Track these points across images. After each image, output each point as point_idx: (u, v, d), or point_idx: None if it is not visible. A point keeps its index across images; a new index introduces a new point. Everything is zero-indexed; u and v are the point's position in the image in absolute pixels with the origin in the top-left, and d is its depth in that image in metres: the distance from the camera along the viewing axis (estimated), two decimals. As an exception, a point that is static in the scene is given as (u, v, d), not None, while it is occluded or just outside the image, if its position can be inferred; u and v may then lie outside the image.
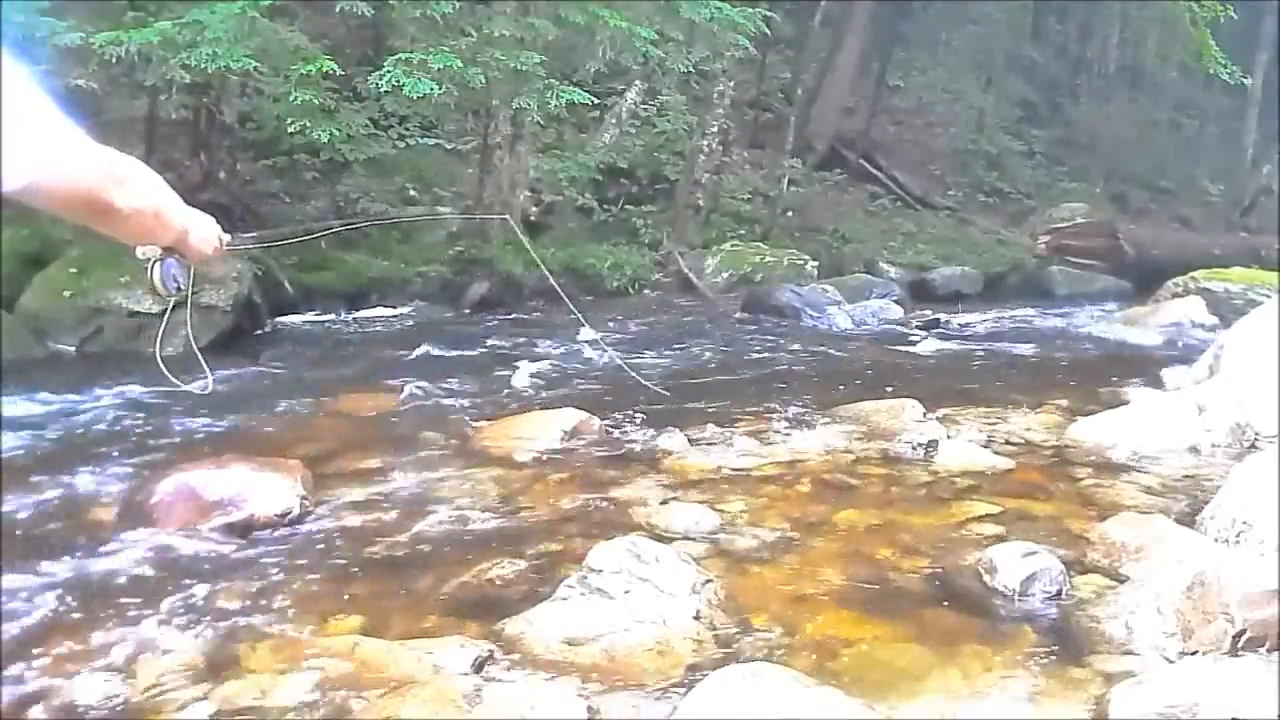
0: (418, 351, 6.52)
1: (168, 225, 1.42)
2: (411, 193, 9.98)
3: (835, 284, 10.20)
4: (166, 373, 1.97)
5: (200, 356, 2.07)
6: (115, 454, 3.89)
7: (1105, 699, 2.09)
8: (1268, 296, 6.99)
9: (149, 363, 2.14)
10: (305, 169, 9.38)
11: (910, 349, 7.57)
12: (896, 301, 9.87)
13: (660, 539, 2.89)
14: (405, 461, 3.89)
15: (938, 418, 4.56)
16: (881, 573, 2.86)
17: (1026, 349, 7.72)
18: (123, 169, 1.31)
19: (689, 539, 3.06)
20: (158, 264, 1.53)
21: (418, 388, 5.11)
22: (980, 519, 3.31)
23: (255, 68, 6.86)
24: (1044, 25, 20.94)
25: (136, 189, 1.33)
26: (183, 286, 1.57)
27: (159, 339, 2.00)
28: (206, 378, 2.05)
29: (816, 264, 10.93)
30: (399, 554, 2.98)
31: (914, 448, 4.09)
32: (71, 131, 1.21)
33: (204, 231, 1.53)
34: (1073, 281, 12.61)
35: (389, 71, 7.07)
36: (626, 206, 11.65)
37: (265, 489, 3.22)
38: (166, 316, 1.83)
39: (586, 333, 6.45)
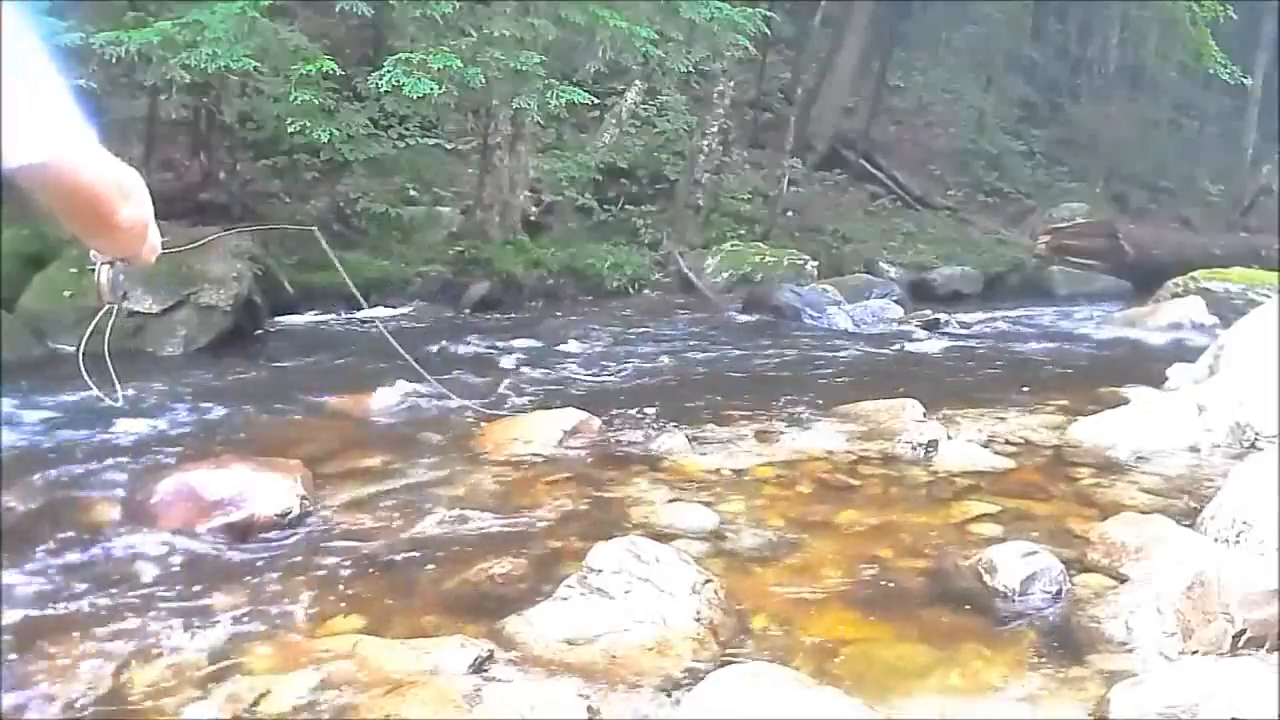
0: (418, 351, 6.51)
1: (147, 240, 1.39)
2: (411, 193, 9.97)
3: (835, 284, 10.19)
4: (86, 377, 1.95)
5: (111, 366, 2.05)
6: (115, 454, 3.88)
7: (1105, 699, 2.09)
8: (1268, 296, 6.99)
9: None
10: (305, 169, 9.38)
11: (910, 349, 7.57)
12: (896, 301, 9.86)
13: (660, 539, 2.89)
14: (405, 461, 3.89)
15: (938, 418, 4.55)
16: (881, 573, 2.86)
17: (1026, 349, 7.72)
18: (129, 182, 1.28)
19: (689, 539, 3.06)
20: (106, 268, 1.49)
21: (417, 388, 5.11)
22: (980, 519, 3.31)
23: (255, 68, 6.86)
24: (1044, 25, 20.93)
25: (137, 206, 1.30)
26: (128, 293, 1.56)
27: (83, 343, 1.94)
28: (117, 390, 2.03)
29: (816, 264, 10.91)
30: (399, 554, 2.98)
31: (914, 448, 4.08)
32: (91, 132, 1.18)
33: (155, 240, 1.48)
34: (1073, 281, 12.60)
35: (389, 71, 7.07)
36: (626, 206, 11.65)
37: (265, 489, 3.21)
38: (96, 321, 1.80)
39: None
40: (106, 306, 1.58)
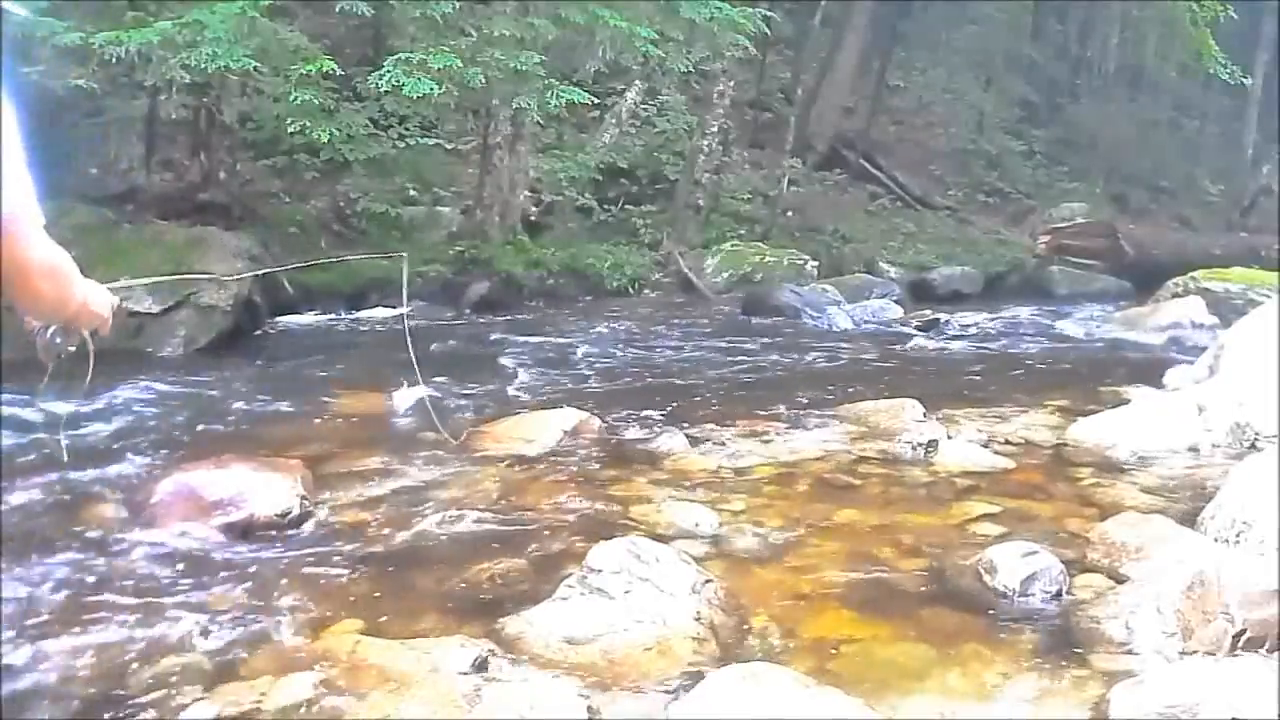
0: (418, 352, 6.51)
1: (65, 314, 1.61)
2: (411, 193, 9.97)
3: (835, 284, 10.19)
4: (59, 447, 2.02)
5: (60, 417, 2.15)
6: (115, 454, 3.88)
7: (1105, 699, 2.09)
8: (1268, 296, 6.99)
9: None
10: (305, 169, 9.38)
11: (910, 349, 7.57)
12: (896, 301, 9.86)
13: (660, 539, 2.89)
14: (405, 461, 3.89)
15: (938, 418, 4.55)
16: (881, 573, 2.86)
17: (1026, 349, 7.72)
18: (53, 265, 1.46)
19: (689, 539, 3.06)
20: (41, 332, 1.68)
21: (418, 388, 5.11)
22: (980, 519, 3.31)
23: (255, 68, 6.86)
24: (1044, 25, 20.90)
25: (59, 285, 1.50)
26: (63, 355, 1.76)
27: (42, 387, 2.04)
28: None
29: (816, 264, 10.92)
30: (399, 554, 2.98)
31: (914, 448, 4.09)
32: (38, 213, 1.39)
33: (96, 308, 1.68)
34: (1073, 281, 12.59)
35: (389, 71, 7.07)
36: (626, 206, 11.64)
37: (265, 489, 3.21)
38: (45, 381, 1.95)
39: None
40: (51, 366, 1.80)
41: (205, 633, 2.43)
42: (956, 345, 7.78)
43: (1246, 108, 19.29)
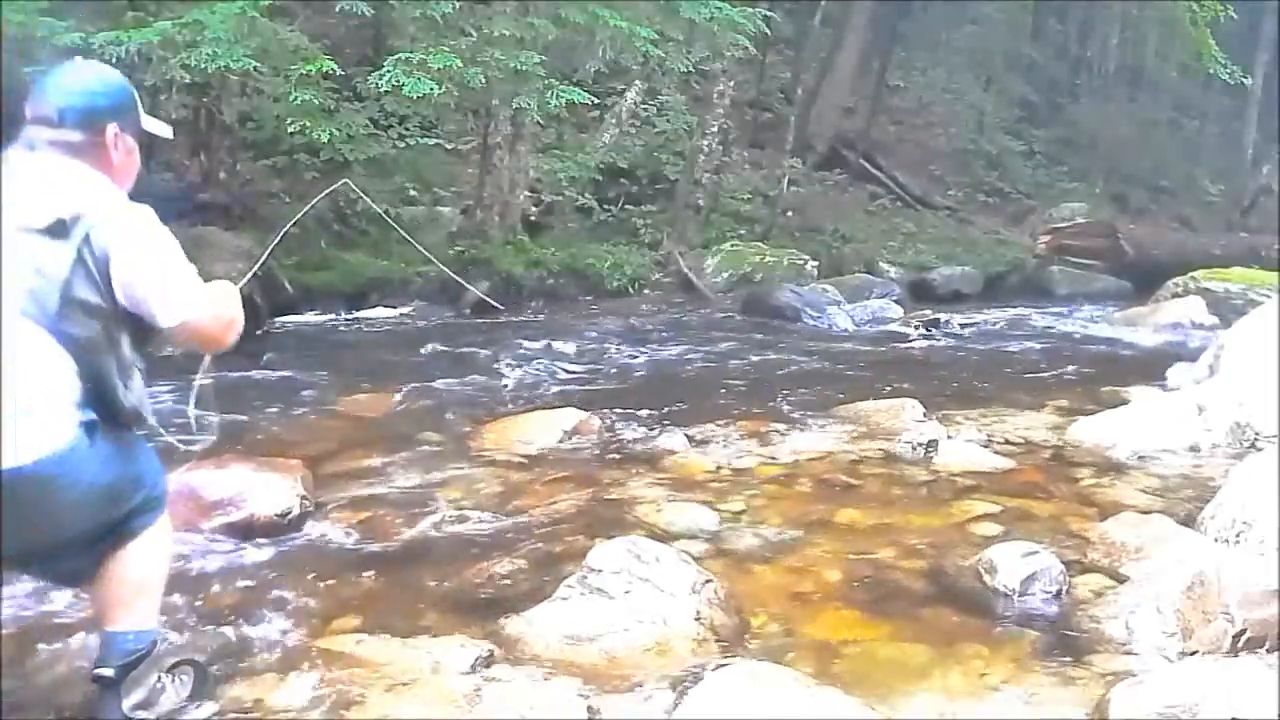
0: (418, 352, 6.52)
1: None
2: (412, 193, 9.97)
3: (835, 284, 10.19)
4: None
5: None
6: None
7: (1105, 699, 2.09)
8: (1268, 296, 6.99)
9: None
10: (305, 169, 9.37)
11: (910, 349, 7.57)
12: (896, 301, 9.86)
13: (660, 539, 2.89)
14: (405, 461, 3.89)
15: (938, 418, 4.56)
16: (882, 573, 2.86)
17: (1026, 349, 7.71)
18: (231, 309, 2.05)
19: (689, 539, 3.06)
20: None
21: (417, 388, 5.11)
22: (980, 519, 3.32)
23: (255, 68, 6.86)
24: (1044, 25, 20.92)
25: (236, 326, 2.09)
26: None
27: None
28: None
29: (816, 264, 10.91)
30: (399, 554, 2.98)
31: (914, 448, 4.09)
32: (203, 286, 1.91)
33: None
34: (1073, 281, 12.59)
35: (389, 71, 7.07)
36: (626, 206, 11.64)
37: (265, 489, 3.22)
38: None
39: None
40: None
41: (205, 633, 2.42)
42: (956, 345, 7.78)
43: (1246, 108, 19.30)
